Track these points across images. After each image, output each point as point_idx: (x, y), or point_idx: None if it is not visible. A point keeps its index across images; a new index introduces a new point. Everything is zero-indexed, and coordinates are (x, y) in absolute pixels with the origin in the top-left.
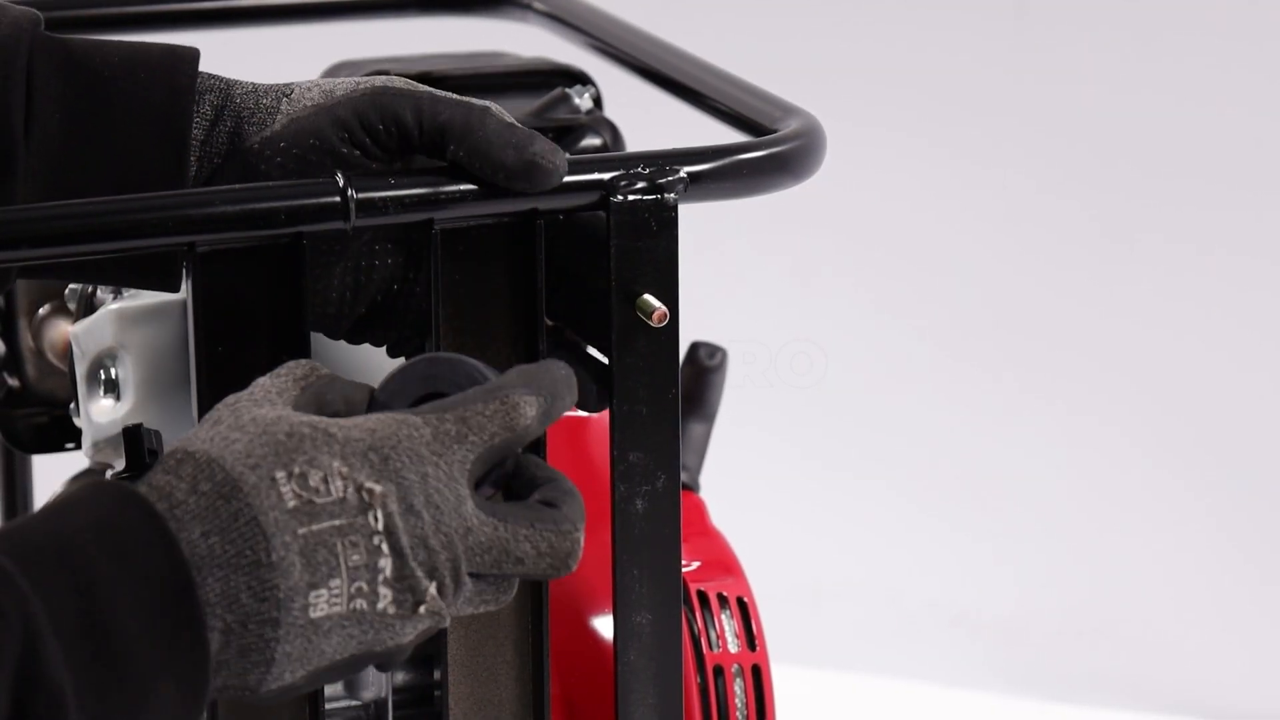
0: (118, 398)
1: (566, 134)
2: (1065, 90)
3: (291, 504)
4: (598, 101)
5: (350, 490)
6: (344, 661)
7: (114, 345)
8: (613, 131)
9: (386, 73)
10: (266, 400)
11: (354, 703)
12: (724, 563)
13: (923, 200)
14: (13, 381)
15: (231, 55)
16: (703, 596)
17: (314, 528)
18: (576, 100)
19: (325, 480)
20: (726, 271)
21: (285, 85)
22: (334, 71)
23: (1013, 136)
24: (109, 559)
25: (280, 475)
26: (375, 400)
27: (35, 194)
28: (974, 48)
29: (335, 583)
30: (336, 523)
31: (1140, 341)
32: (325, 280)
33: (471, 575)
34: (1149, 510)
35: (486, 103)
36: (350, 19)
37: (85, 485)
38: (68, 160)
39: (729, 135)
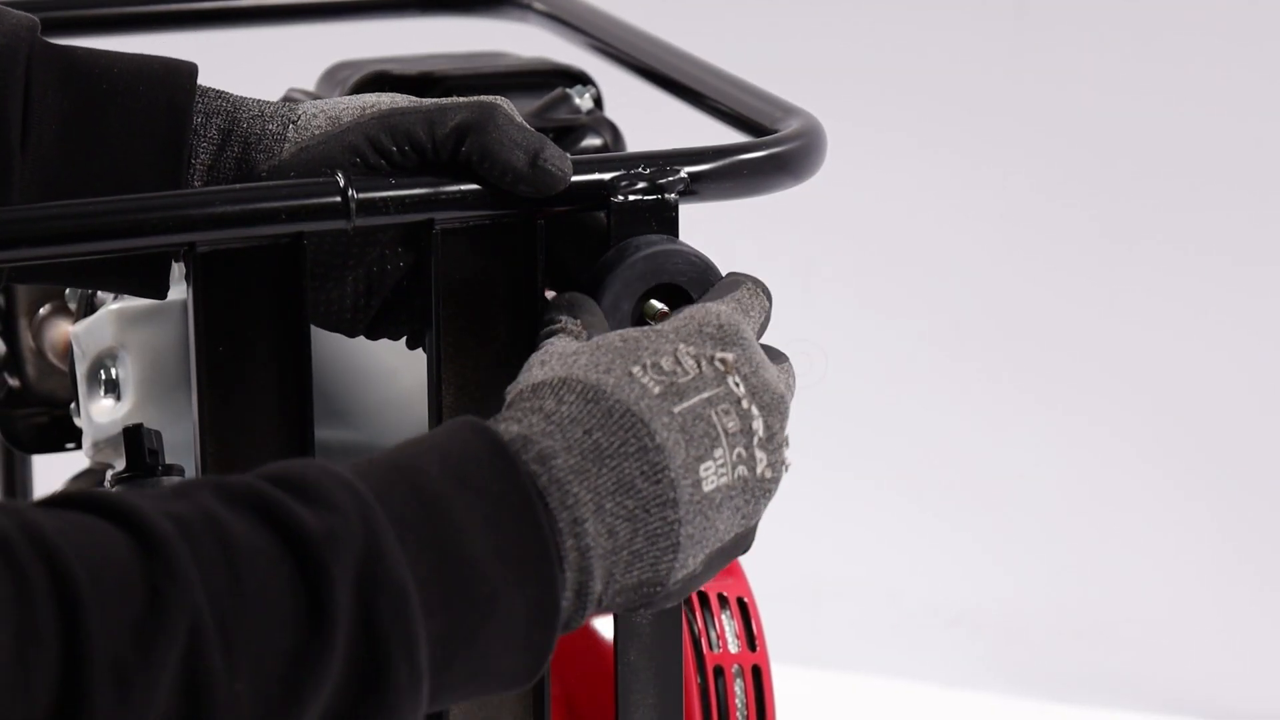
0: (118, 398)
1: (567, 134)
2: (1065, 91)
3: (657, 389)
4: (598, 101)
5: (705, 364)
6: (729, 542)
7: (114, 345)
8: (613, 132)
9: (387, 73)
10: (571, 345)
11: None
12: None
13: (922, 200)
14: (13, 381)
15: (231, 55)
16: (703, 597)
17: (685, 404)
18: (577, 100)
19: (678, 361)
20: (725, 267)
21: (290, 109)
22: (334, 72)
23: (1012, 137)
24: (452, 479)
25: (636, 369)
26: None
27: (31, 204)
28: (974, 48)
29: (719, 453)
30: (705, 394)
31: (1139, 343)
32: (340, 286)
33: None
34: (1148, 510)
35: (495, 99)
36: (350, 19)
37: (438, 428)
38: (64, 171)
39: (729, 135)
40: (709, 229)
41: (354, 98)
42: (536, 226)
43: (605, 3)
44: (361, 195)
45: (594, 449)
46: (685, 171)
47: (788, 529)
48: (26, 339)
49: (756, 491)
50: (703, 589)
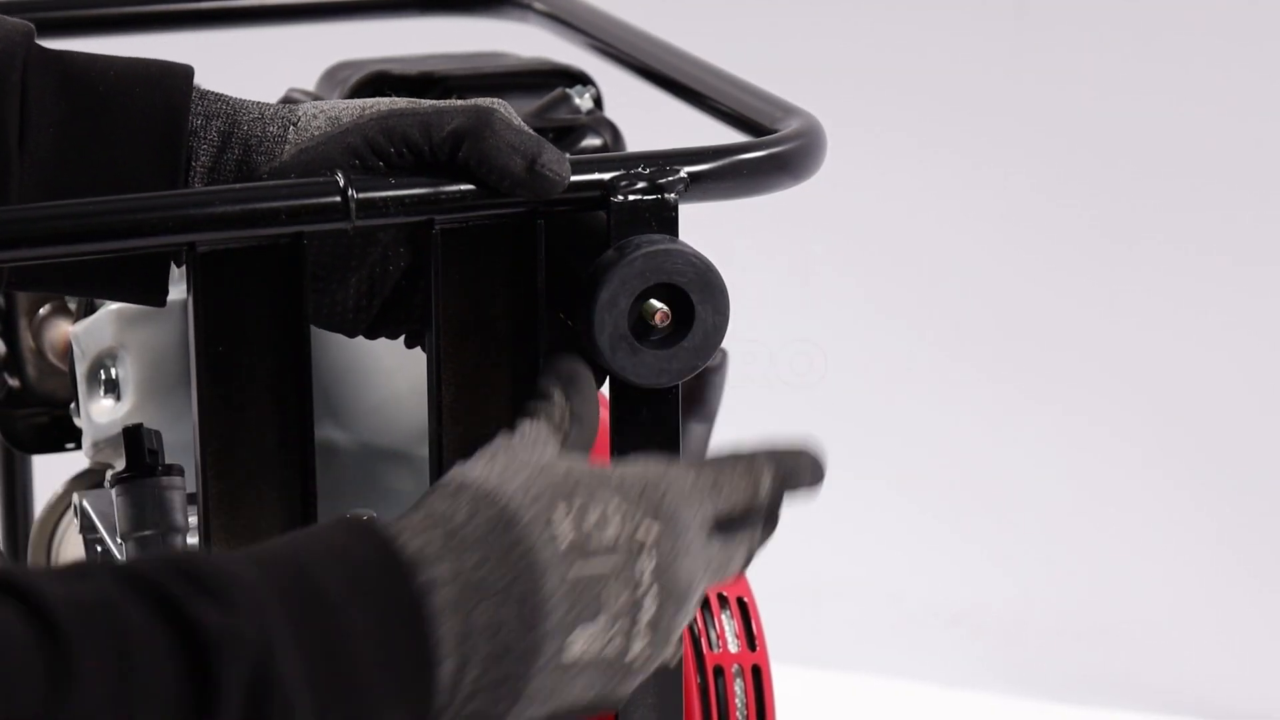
0: (118, 398)
1: (567, 134)
2: (1065, 91)
3: (566, 542)
4: (598, 101)
5: (624, 534)
6: (580, 706)
7: (114, 345)
8: (613, 131)
9: (387, 73)
10: (538, 442)
11: None
12: None
13: (922, 200)
14: (13, 381)
15: (231, 55)
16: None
17: (586, 570)
18: (576, 100)
19: (603, 517)
20: (727, 272)
21: (290, 110)
22: (334, 72)
23: (1012, 137)
24: (350, 588)
25: (560, 510)
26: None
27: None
28: (974, 48)
29: (595, 627)
30: (607, 567)
31: (1140, 343)
32: (342, 287)
33: None
34: (1148, 511)
35: (493, 103)
36: (350, 19)
37: (333, 523)
38: (61, 175)
39: (729, 135)
40: (709, 229)
41: (354, 100)
42: (536, 226)
43: (605, 3)
44: (361, 195)
45: (479, 584)
46: (685, 171)
47: (788, 529)
48: (26, 339)
49: (621, 672)
50: None
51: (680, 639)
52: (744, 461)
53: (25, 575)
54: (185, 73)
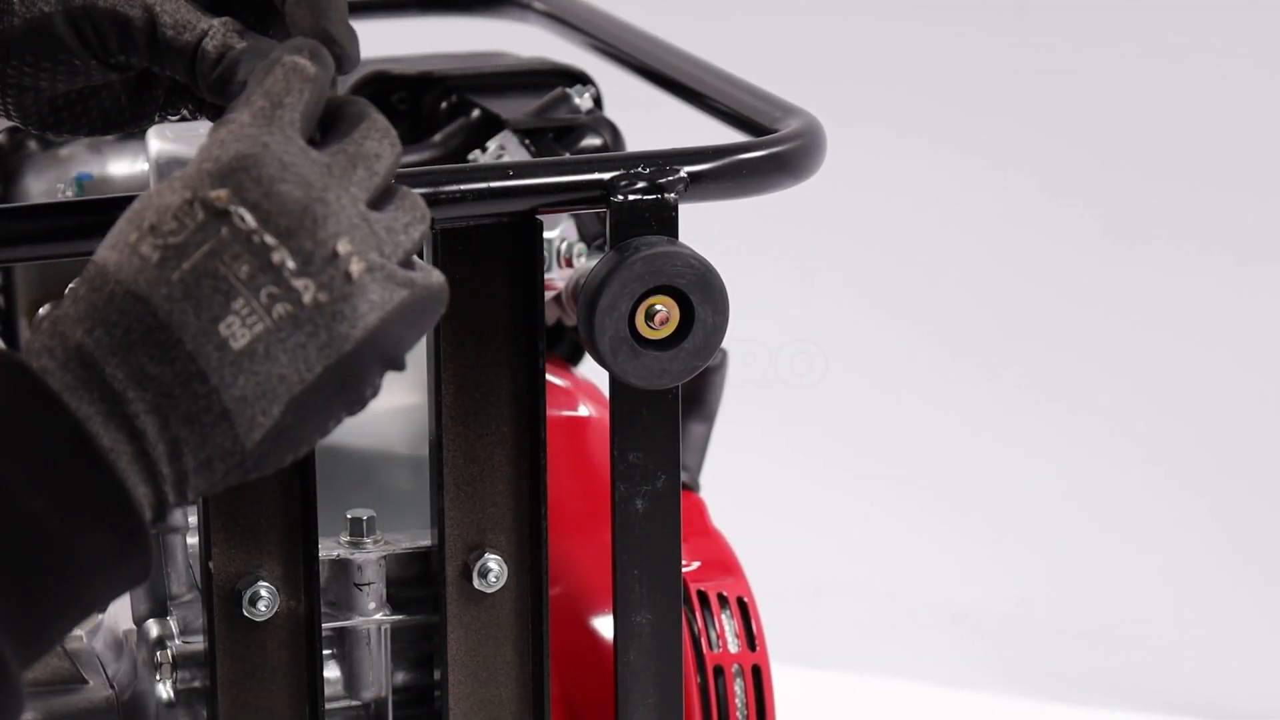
0: None
1: (566, 134)
2: (1065, 90)
3: (156, 258)
4: (598, 101)
5: (200, 210)
6: (320, 377)
7: None
8: (613, 131)
9: (386, 73)
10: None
11: (354, 703)
12: (724, 563)
13: (922, 200)
14: None
15: None
16: (703, 596)
17: (185, 264)
18: (576, 100)
19: (178, 217)
20: (726, 272)
21: None
22: None
23: (1013, 137)
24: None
25: (134, 238)
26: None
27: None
28: (974, 48)
29: (239, 303)
30: (205, 248)
31: (1141, 342)
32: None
33: (370, 207)
34: (1149, 510)
35: None
36: (351, 20)
37: None
38: None
39: (729, 135)
40: (709, 229)
41: None
42: (536, 226)
43: (605, 3)
44: None
45: (94, 349)
46: (685, 171)
47: (788, 529)
48: (26, 339)
49: (315, 319)
50: (703, 589)
51: (383, 260)
52: (269, 65)
53: None
54: None
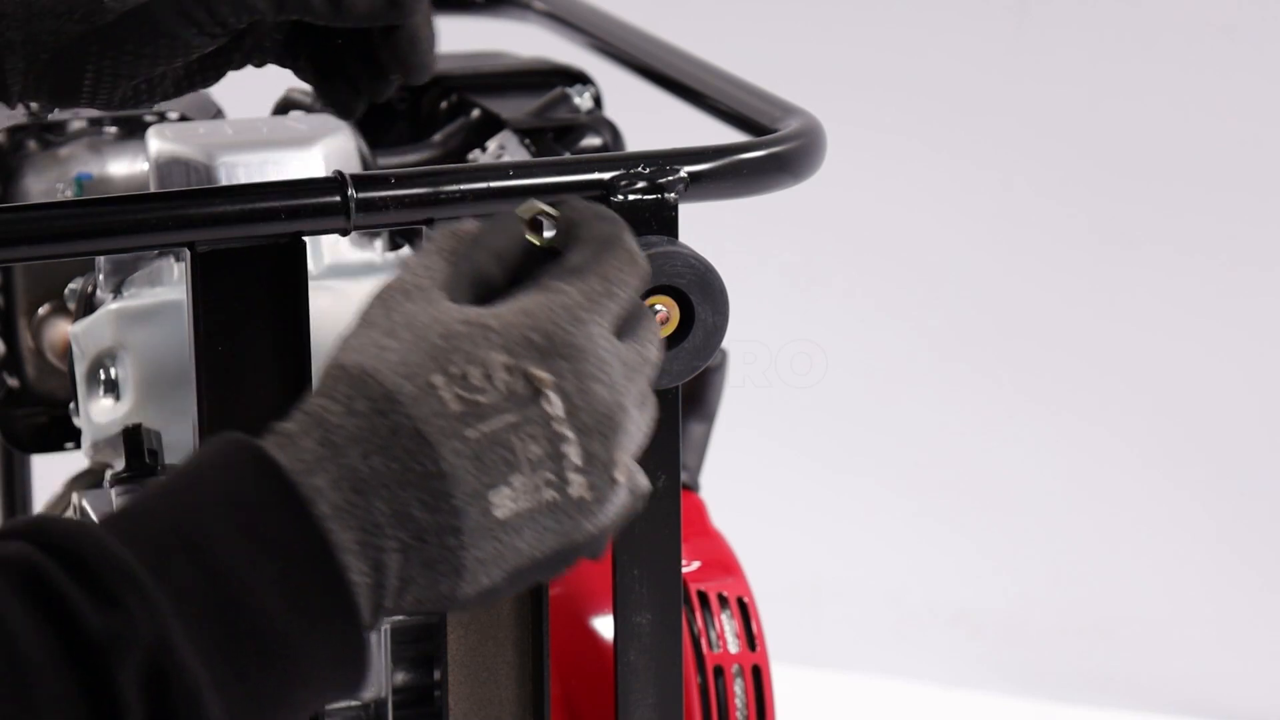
0: (117, 398)
1: (566, 134)
2: (1065, 94)
3: (456, 408)
4: (598, 101)
5: (519, 381)
6: (546, 557)
7: (113, 345)
8: (613, 131)
9: None
10: (418, 290)
11: (354, 703)
12: (724, 563)
13: (922, 202)
14: (12, 381)
15: None
16: (703, 596)
17: (484, 428)
18: (576, 100)
19: (488, 376)
20: (726, 272)
21: None
22: None
23: (1013, 139)
24: (237, 537)
25: (439, 379)
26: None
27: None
28: (974, 50)
29: (517, 480)
30: (509, 419)
31: (1139, 345)
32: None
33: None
34: (1148, 511)
35: None
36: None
37: (211, 446)
38: None
39: (729, 135)
40: (709, 229)
41: None
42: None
43: (605, 3)
44: (361, 195)
45: (369, 477)
46: (685, 171)
47: (788, 529)
48: (26, 339)
49: (571, 512)
50: (703, 589)
51: (635, 469)
52: (608, 248)
53: None
54: None
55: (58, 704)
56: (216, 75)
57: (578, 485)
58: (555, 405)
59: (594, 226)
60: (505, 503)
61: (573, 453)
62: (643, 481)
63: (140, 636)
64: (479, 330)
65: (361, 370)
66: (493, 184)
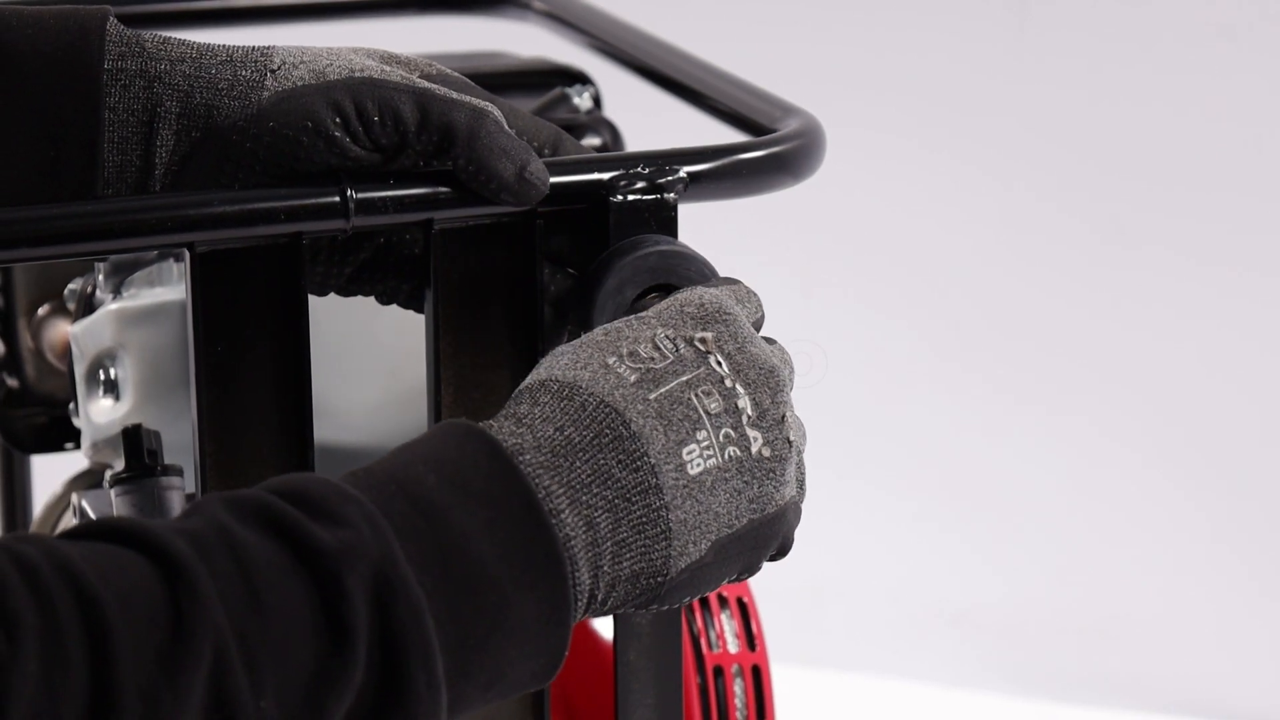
0: (117, 398)
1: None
2: (1066, 97)
3: (633, 378)
4: (597, 101)
5: (684, 346)
6: (743, 529)
7: (113, 345)
8: (612, 131)
9: None
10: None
11: None
12: None
13: (922, 203)
14: (12, 382)
15: None
16: (703, 597)
17: (663, 389)
18: (576, 100)
19: (656, 347)
20: (726, 272)
21: (264, 54)
22: None
23: (1013, 141)
24: (450, 488)
25: (612, 360)
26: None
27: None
28: (974, 51)
29: (702, 434)
30: (684, 378)
31: (1138, 346)
32: (324, 250)
33: None
34: (1146, 511)
35: (486, 105)
36: (350, 19)
37: (426, 432)
38: None
39: (729, 135)
40: (709, 229)
41: (337, 53)
42: (535, 226)
43: (605, 3)
44: (360, 195)
45: (565, 444)
46: (685, 171)
47: None
48: (25, 339)
49: (756, 471)
50: None
51: (801, 428)
52: (742, 283)
53: (142, 524)
54: (99, 15)
55: (288, 604)
56: (368, 289)
57: (757, 441)
58: (723, 365)
59: (716, 276)
60: (695, 459)
61: (748, 406)
62: (804, 461)
63: (368, 551)
64: (636, 320)
65: (537, 382)
66: None
